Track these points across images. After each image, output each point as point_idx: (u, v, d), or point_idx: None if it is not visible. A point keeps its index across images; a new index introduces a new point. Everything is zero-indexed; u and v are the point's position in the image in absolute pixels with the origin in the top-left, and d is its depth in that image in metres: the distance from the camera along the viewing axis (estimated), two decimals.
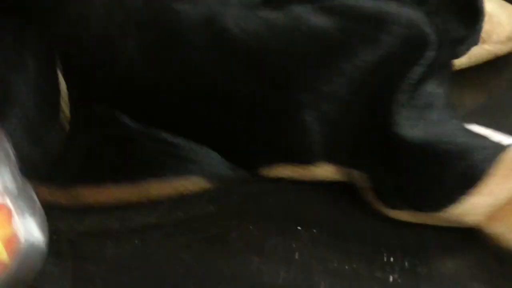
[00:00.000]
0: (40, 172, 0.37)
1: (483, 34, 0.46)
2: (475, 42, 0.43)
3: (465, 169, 0.35)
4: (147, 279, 0.35)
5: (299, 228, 0.38)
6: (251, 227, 0.38)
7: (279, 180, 0.40)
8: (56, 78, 0.38)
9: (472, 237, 0.37)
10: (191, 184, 0.39)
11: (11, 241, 0.31)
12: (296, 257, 0.37)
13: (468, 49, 0.43)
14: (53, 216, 0.33)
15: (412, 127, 0.37)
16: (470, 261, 0.37)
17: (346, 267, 0.36)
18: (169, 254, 0.38)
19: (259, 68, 0.36)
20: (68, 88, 0.38)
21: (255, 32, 0.36)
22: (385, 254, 0.36)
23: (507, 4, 0.51)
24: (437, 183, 0.36)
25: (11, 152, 0.33)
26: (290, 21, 0.37)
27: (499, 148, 0.35)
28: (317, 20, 0.36)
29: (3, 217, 0.31)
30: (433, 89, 0.39)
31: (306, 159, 0.38)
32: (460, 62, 0.47)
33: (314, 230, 0.38)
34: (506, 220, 0.35)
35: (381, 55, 0.37)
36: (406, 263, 0.36)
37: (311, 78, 0.37)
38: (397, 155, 0.37)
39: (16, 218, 0.31)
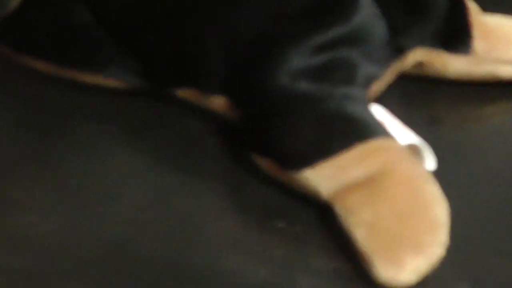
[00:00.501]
0: None
1: (480, 50, 0.46)
2: (416, 40, 0.44)
3: (328, 138, 0.37)
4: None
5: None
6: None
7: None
8: None
9: None
10: (109, 81, 0.44)
11: None
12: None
13: (413, 45, 0.44)
14: None
15: (301, 77, 0.39)
16: None
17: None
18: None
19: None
20: None
21: None
22: None
23: None
24: (298, 140, 0.38)
25: None
26: None
27: (371, 132, 0.37)
28: None
29: None
30: (353, 57, 0.41)
31: (207, 87, 0.41)
32: (458, 68, 0.47)
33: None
34: (349, 201, 0.35)
35: (297, 6, 0.40)
36: None
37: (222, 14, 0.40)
38: (271, 103, 0.39)
39: None
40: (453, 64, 0.47)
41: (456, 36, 0.46)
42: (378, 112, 0.40)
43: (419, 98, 0.49)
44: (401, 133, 0.39)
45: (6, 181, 0.40)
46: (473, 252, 0.38)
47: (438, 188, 0.36)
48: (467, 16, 0.46)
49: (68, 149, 0.44)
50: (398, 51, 0.44)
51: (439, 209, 0.35)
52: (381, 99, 0.46)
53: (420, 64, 0.47)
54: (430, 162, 0.40)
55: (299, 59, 0.40)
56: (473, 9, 0.47)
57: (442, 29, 0.46)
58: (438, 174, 0.40)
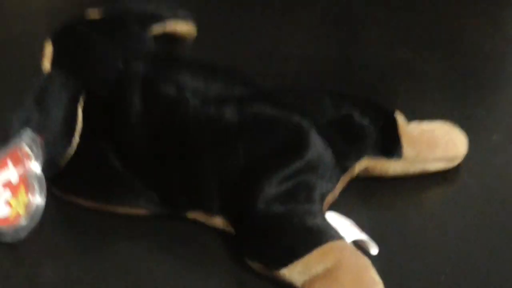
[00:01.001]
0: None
1: (410, 154, 0.54)
2: (358, 158, 0.52)
3: (296, 246, 0.44)
4: None
5: None
6: None
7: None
8: (77, 111, 0.51)
9: None
10: (138, 210, 0.52)
11: (28, 204, 0.50)
12: None
13: (353, 164, 0.52)
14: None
15: (273, 202, 0.47)
16: None
17: None
18: None
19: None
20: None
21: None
22: None
23: (442, 125, 0.57)
24: (274, 250, 0.45)
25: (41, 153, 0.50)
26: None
27: (326, 237, 0.44)
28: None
29: (25, 188, 0.50)
30: (311, 181, 0.48)
31: (210, 210, 0.49)
32: (396, 170, 0.55)
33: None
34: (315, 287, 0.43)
35: (269, 150, 0.49)
36: None
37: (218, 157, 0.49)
38: (253, 223, 0.47)
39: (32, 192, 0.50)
40: (391, 167, 0.54)
41: (390, 146, 0.53)
42: (332, 218, 0.48)
43: (368, 193, 0.55)
44: (350, 233, 0.47)
45: None
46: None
47: (376, 273, 0.43)
48: (397, 130, 0.54)
49: (112, 265, 0.50)
50: (344, 170, 0.51)
51: (378, 286, 0.43)
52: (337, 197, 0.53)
53: (366, 169, 0.54)
54: (373, 250, 0.47)
55: (271, 188, 0.47)
56: (401, 124, 0.55)
57: (379, 142, 0.53)
58: (381, 257, 0.47)
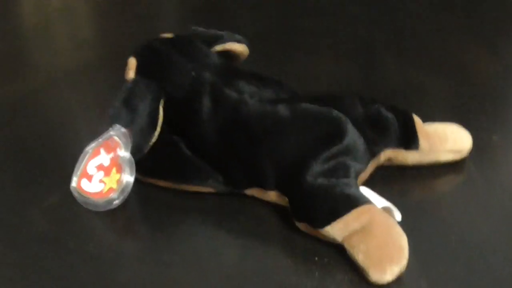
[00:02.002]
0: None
1: (425, 147, 0.63)
2: (384, 146, 0.62)
3: (337, 207, 0.53)
4: None
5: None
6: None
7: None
8: (158, 109, 0.62)
9: None
10: (206, 189, 0.62)
11: (119, 180, 0.60)
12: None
13: (380, 150, 0.61)
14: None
15: (319, 176, 0.55)
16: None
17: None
18: None
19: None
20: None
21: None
22: None
23: (451, 125, 0.66)
24: (320, 211, 0.54)
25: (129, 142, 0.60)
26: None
27: (362, 202, 0.53)
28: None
29: (117, 169, 0.61)
30: (348, 161, 0.57)
31: (265, 187, 0.59)
32: (413, 159, 0.64)
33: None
34: (352, 241, 0.52)
35: (315, 137, 0.58)
36: None
37: (274, 144, 0.59)
38: (303, 191, 0.56)
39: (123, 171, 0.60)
40: (409, 157, 0.63)
41: (409, 140, 0.62)
42: (365, 191, 0.57)
43: (392, 180, 0.64)
44: (379, 201, 0.56)
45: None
46: (429, 261, 0.53)
47: (400, 229, 0.52)
48: (414, 127, 0.63)
49: (180, 233, 0.59)
50: (373, 155, 0.60)
51: (402, 239, 0.51)
52: (367, 183, 0.62)
53: (389, 159, 0.63)
54: (397, 216, 0.56)
55: (317, 166, 0.55)
56: (417, 121, 0.64)
57: (400, 136, 0.62)
58: (403, 222, 0.55)
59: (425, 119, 0.67)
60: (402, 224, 0.55)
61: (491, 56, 0.87)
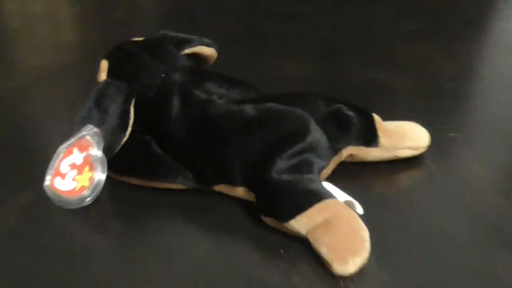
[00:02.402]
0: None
1: (385, 143, 0.62)
2: (346, 144, 0.60)
3: (301, 202, 0.52)
4: None
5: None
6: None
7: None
8: (129, 110, 0.60)
9: None
10: (177, 186, 0.60)
11: (91, 178, 0.58)
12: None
13: (342, 147, 0.60)
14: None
15: (284, 173, 0.54)
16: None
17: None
18: None
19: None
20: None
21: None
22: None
23: (410, 123, 0.65)
24: (285, 206, 0.52)
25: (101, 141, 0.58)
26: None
27: (325, 197, 0.52)
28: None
29: (89, 168, 0.58)
30: (311, 158, 0.56)
31: (233, 183, 0.57)
32: (374, 156, 0.63)
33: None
34: (316, 234, 0.50)
35: (280, 135, 0.56)
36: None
37: (240, 142, 0.57)
38: (269, 187, 0.54)
39: (95, 170, 0.58)
40: (370, 153, 0.62)
41: (369, 138, 0.61)
42: (328, 186, 0.55)
43: (354, 175, 0.63)
44: (341, 195, 0.55)
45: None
46: (391, 252, 0.52)
47: (362, 222, 0.51)
48: (374, 125, 0.62)
49: (151, 229, 0.57)
50: (335, 151, 0.59)
51: (364, 232, 0.50)
52: (330, 178, 0.60)
53: (351, 155, 0.62)
54: (359, 209, 0.55)
55: (282, 163, 0.54)
56: (377, 120, 0.63)
57: (361, 134, 0.61)
58: (364, 216, 0.54)
59: (386, 117, 0.66)
60: (363, 217, 0.54)
61: (447, 59, 0.86)
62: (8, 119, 0.74)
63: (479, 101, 0.76)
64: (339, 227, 0.51)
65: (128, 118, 0.60)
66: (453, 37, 0.93)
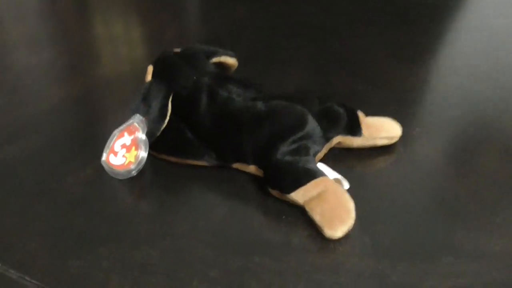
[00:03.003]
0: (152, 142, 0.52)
1: (366, 134, 0.54)
2: (336, 133, 0.52)
3: (300, 178, 0.45)
4: None
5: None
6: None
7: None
8: (168, 104, 0.52)
9: None
10: (203, 163, 0.53)
11: (136, 156, 0.51)
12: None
13: (333, 136, 0.52)
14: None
15: (286, 155, 0.47)
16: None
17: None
18: None
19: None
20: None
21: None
22: None
23: (386, 118, 0.57)
24: (287, 181, 0.46)
25: (145, 128, 0.51)
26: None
27: (318, 175, 0.45)
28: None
29: (135, 147, 0.51)
30: (308, 144, 0.49)
31: (247, 162, 0.50)
32: (357, 143, 0.55)
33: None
34: (310, 204, 0.44)
35: (284, 126, 0.49)
36: None
37: (253, 131, 0.49)
38: (274, 166, 0.47)
39: (140, 149, 0.51)
40: (354, 142, 0.54)
41: (354, 129, 0.54)
42: (321, 166, 0.48)
43: (341, 158, 0.55)
44: (332, 174, 0.48)
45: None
46: (371, 221, 0.45)
47: (349, 195, 0.44)
48: (358, 119, 0.54)
49: (181, 197, 0.50)
50: (327, 139, 0.52)
51: (350, 204, 0.43)
52: (323, 160, 0.53)
53: (339, 142, 0.55)
54: (346, 185, 0.48)
55: (284, 147, 0.48)
56: (361, 115, 0.55)
57: (347, 126, 0.53)
58: (350, 190, 0.47)
59: (366, 114, 0.58)
60: (349, 191, 0.46)
61: (409, 75, 0.78)
62: (80, 111, 0.68)
63: (435, 105, 0.69)
64: (330, 199, 0.44)
65: (166, 111, 0.53)
66: (414, 53, 0.85)
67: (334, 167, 0.51)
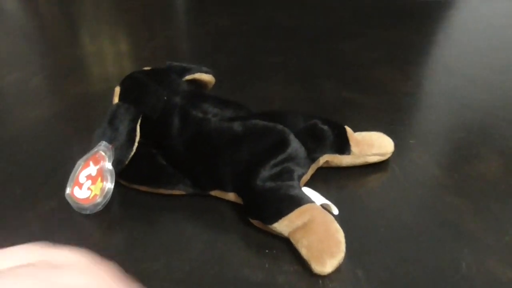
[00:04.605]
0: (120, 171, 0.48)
1: (356, 151, 0.50)
2: (321, 153, 0.49)
3: (283, 207, 0.41)
4: None
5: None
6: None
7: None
8: (136, 128, 0.48)
9: None
10: (178, 191, 0.49)
11: (102, 188, 0.47)
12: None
13: (319, 156, 0.49)
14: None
15: (267, 180, 0.43)
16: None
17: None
18: None
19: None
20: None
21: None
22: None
23: (377, 133, 0.53)
24: (269, 210, 0.42)
25: (112, 156, 0.47)
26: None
27: (304, 202, 0.41)
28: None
29: (101, 178, 0.47)
30: (291, 167, 0.45)
31: (225, 189, 0.47)
32: (347, 162, 0.51)
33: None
34: (296, 236, 0.40)
35: (263, 147, 0.45)
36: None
37: (230, 154, 0.46)
38: (254, 194, 0.43)
39: (105, 180, 0.47)
40: (343, 160, 0.51)
41: (342, 147, 0.50)
42: (307, 190, 0.45)
43: (330, 179, 0.52)
44: (319, 199, 0.44)
45: None
46: (364, 251, 0.41)
47: (337, 224, 0.40)
48: (346, 136, 0.51)
49: (154, 230, 0.46)
50: (313, 160, 0.49)
51: (340, 235, 0.39)
52: (309, 181, 0.50)
53: (327, 162, 0.51)
54: (335, 211, 0.44)
55: (265, 172, 0.44)
56: (349, 131, 0.52)
57: (335, 144, 0.50)
58: (340, 215, 0.44)
59: (356, 128, 0.54)
60: (338, 216, 0.43)
61: (403, 80, 0.75)
62: (38, 144, 0.63)
63: (429, 114, 0.66)
64: (317, 230, 0.40)
65: (134, 136, 0.49)
66: (408, 60, 0.82)
67: (322, 188, 0.48)
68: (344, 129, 0.52)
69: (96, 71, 0.88)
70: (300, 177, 0.47)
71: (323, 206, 0.44)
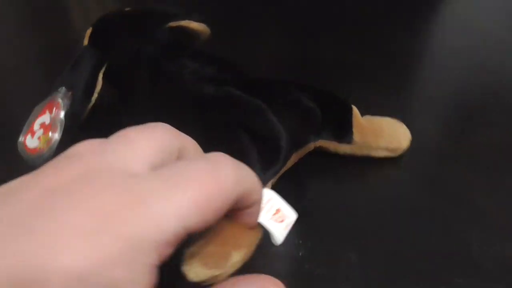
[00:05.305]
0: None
1: (358, 140, 0.42)
2: (311, 141, 0.41)
3: None
4: None
5: None
6: None
7: None
8: (96, 77, 0.43)
9: None
10: None
11: (49, 139, 0.42)
12: None
13: (309, 140, 0.41)
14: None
15: None
16: None
17: None
18: None
19: None
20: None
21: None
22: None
23: (390, 120, 0.43)
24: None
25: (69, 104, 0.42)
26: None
27: None
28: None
29: (48, 132, 0.42)
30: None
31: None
32: (345, 151, 0.43)
33: None
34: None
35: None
36: None
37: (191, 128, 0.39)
38: None
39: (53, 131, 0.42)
40: (341, 149, 0.42)
41: (343, 133, 0.42)
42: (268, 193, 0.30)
43: (320, 167, 0.43)
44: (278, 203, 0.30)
45: None
46: (359, 235, 0.36)
47: None
48: (351, 120, 0.42)
49: None
50: (298, 144, 0.40)
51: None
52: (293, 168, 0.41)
53: (320, 146, 0.42)
54: (293, 216, 0.30)
55: None
56: (356, 113, 0.42)
57: (334, 128, 0.42)
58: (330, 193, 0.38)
59: (359, 94, 0.47)
60: (341, 203, 0.38)
61: (409, 37, 0.65)
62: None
63: (437, 75, 0.57)
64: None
65: (93, 86, 0.43)
66: (415, 17, 0.71)
67: (310, 185, 0.40)
68: (350, 111, 0.42)
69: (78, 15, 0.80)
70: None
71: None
